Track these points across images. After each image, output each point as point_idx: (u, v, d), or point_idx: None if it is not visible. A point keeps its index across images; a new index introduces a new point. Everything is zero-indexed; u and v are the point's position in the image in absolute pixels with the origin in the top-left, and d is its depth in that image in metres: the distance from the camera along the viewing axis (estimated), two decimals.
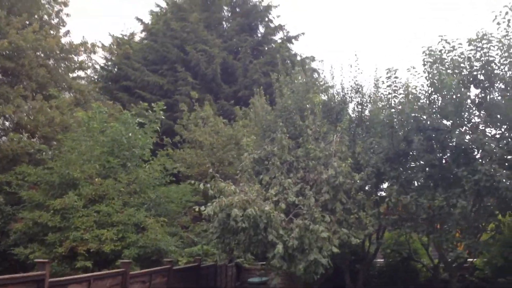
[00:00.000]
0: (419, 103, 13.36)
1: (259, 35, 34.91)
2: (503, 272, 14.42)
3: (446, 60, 13.67)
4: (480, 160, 12.12)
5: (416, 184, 13.19)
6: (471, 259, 16.15)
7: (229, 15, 36.03)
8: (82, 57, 26.32)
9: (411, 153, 13.21)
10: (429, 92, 14.26)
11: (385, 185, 14.77)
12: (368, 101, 16.89)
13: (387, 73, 14.42)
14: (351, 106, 17.31)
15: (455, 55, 13.76)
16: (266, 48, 33.89)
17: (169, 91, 30.61)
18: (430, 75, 14.13)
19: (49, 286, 6.43)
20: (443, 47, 13.93)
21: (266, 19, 34.79)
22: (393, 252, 17.87)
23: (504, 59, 13.31)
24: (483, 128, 13.27)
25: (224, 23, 35.63)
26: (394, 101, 14.34)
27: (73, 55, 25.01)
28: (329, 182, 13.00)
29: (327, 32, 73.40)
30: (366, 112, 16.60)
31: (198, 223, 19.33)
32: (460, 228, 11.87)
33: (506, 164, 11.23)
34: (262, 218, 11.87)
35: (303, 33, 34.25)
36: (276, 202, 12.81)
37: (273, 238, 11.78)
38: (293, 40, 34.25)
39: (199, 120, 25.50)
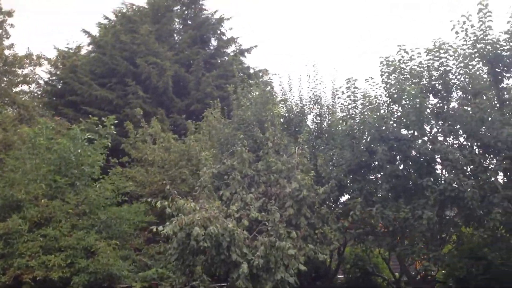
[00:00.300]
0: (380, 113, 13.13)
1: (212, 47, 34.29)
2: (465, 284, 14.31)
3: (405, 70, 13.55)
4: (442, 171, 12.00)
5: (379, 196, 12.90)
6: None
7: (181, 27, 35.26)
8: (26, 70, 24.95)
9: (373, 164, 12.92)
10: (388, 102, 14.13)
11: (347, 198, 14.42)
12: (327, 112, 16.63)
13: (347, 83, 14.19)
14: (310, 117, 17.04)
15: (413, 65, 13.67)
16: (219, 61, 33.30)
17: (118, 106, 29.44)
18: (387, 85, 14.00)
19: None
20: (402, 56, 13.84)
21: (219, 31, 34.22)
22: (353, 268, 17.57)
23: (460, 69, 13.31)
24: (443, 138, 13.18)
25: (175, 35, 34.81)
26: (355, 111, 14.08)
27: (17, 68, 23.63)
28: (292, 196, 12.53)
29: (281, 44, 73.53)
30: (325, 124, 16.33)
31: (151, 245, 18.39)
32: (425, 240, 11.62)
33: (469, 173, 11.11)
34: (225, 237, 11.25)
35: (255, 46, 33.89)
36: (238, 218, 12.21)
37: (237, 257, 11.16)
38: (245, 53, 33.80)
39: (147, 137, 24.56)
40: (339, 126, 14.68)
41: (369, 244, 13.51)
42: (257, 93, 17.27)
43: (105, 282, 13.93)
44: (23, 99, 24.64)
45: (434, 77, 13.15)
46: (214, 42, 34.50)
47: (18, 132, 19.16)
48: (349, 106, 14.08)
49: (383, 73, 14.15)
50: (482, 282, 14.04)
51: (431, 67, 13.25)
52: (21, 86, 25.67)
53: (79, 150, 16.03)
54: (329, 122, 16.43)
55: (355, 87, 14.06)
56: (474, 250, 13.46)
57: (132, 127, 24.27)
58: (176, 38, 34.63)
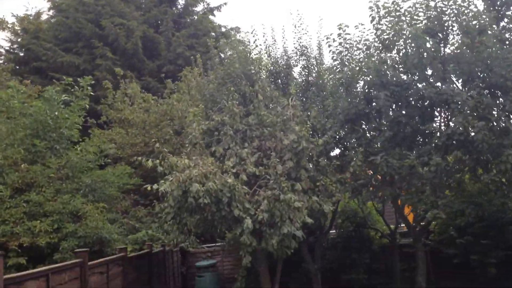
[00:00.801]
0: (380, 57, 12.61)
1: (179, 7, 33.12)
2: (465, 233, 14.24)
3: (399, 12, 12.98)
4: (447, 115, 11.65)
5: (378, 146, 12.49)
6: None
7: None
8: None
9: (372, 112, 12.47)
10: (380, 49, 13.64)
11: (342, 150, 14.02)
12: (314, 63, 16.06)
13: (339, 29, 13.58)
14: (296, 70, 16.45)
15: (408, 7, 13.10)
16: (188, 20, 32.24)
17: (86, 70, 28.13)
18: (379, 32, 13.47)
19: (4, 285, 4.97)
20: None
21: None
22: (345, 222, 17.34)
23: (459, 7, 12.77)
24: (443, 81, 12.74)
25: None
26: (348, 58, 13.56)
27: None
28: (290, 148, 12.01)
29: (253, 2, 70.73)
30: (313, 75, 15.76)
31: (138, 207, 17.78)
32: (432, 187, 11.31)
33: (477, 116, 10.72)
34: (225, 192, 10.70)
35: (225, 3, 32.85)
36: (235, 174, 11.64)
37: (239, 213, 10.65)
38: (215, 12, 32.80)
39: (126, 98, 23.62)
40: (331, 76, 14.14)
41: (369, 195, 13.18)
42: (240, 48, 16.52)
43: (95, 246, 13.31)
44: None
45: (431, 18, 12.60)
46: (181, 0, 33.30)
47: None
48: (342, 54, 13.51)
49: (372, 18, 13.58)
50: (478, 230, 14.03)
51: (428, 6, 12.68)
52: None
53: (56, 113, 15.04)
54: (317, 73, 15.85)
55: (347, 34, 13.48)
56: (473, 197, 13.31)
57: (111, 86, 23.29)
58: None
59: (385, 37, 13.27)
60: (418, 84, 11.86)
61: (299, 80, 15.81)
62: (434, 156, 10.78)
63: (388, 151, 11.68)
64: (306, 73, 16.03)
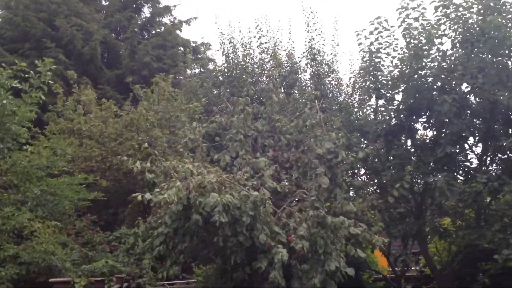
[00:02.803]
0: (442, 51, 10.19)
1: (145, 16, 30.17)
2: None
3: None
4: None
5: (432, 165, 9.96)
6: None
7: None
8: None
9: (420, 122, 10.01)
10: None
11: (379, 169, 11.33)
12: (326, 70, 13.60)
13: (372, 23, 11.17)
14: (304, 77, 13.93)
15: None
16: (154, 32, 29.30)
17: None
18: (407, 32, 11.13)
19: None
20: None
21: None
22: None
23: None
24: None
25: None
26: (382, 57, 11.12)
27: None
28: (323, 160, 9.24)
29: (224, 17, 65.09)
30: (327, 82, 13.29)
31: (96, 230, 14.24)
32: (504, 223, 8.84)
33: None
34: (247, 210, 7.75)
35: (195, 18, 30.21)
36: (252, 189, 8.72)
37: (265, 239, 7.70)
38: (184, 25, 30.01)
39: (79, 105, 20.09)
40: (359, 82, 11.65)
41: (407, 228, 10.55)
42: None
43: (41, 276, 10.00)
44: None
45: None
46: (147, 10, 30.38)
47: None
48: (380, 52, 11.02)
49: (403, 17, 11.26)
50: None
51: None
52: None
53: (4, 101, 11.62)
54: (330, 80, 13.39)
55: (386, 29, 11.05)
56: None
57: (62, 91, 19.75)
58: (104, 2, 30.05)
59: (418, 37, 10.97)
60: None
61: (309, 89, 13.24)
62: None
63: (444, 172, 9.16)
64: (316, 81, 13.51)
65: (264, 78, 12.87)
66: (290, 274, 7.99)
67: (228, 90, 12.06)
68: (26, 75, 12.63)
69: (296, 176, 9.56)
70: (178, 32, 30.05)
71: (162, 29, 29.06)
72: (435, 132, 10.36)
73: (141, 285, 15.12)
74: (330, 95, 13.33)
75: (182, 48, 28.32)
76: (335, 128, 11.04)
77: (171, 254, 8.50)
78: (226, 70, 12.93)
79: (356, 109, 12.66)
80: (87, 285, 11.88)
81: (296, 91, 12.98)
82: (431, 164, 10.61)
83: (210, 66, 15.97)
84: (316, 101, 10.48)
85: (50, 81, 12.80)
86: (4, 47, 25.61)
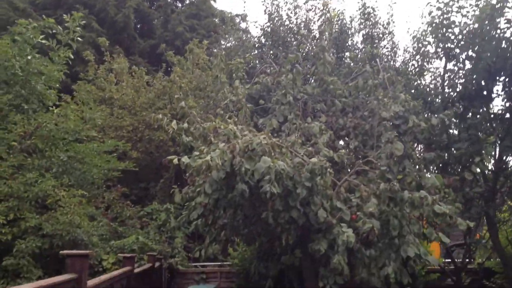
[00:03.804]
0: None
1: None
2: None
3: None
4: None
5: None
6: None
7: None
8: None
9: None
10: None
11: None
12: (381, 32, 12.11)
13: None
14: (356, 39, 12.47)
15: None
16: (188, 1, 28.04)
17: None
18: None
19: None
20: None
21: None
22: None
23: None
24: None
25: None
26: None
27: None
28: (390, 126, 7.87)
29: None
30: (383, 46, 11.81)
31: (127, 203, 13.26)
32: None
33: None
34: (303, 180, 6.49)
35: None
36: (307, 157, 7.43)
37: (326, 215, 6.43)
38: None
39: (111, 74, 19.08)
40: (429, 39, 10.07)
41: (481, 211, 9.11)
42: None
43: (64, 249, 9.01)
44: None
45: None
46: None
47: None
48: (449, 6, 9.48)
49: None
50: None
51: None
52: None
53: (29, 57, 10.59)
54: (385, 44, 11.92)
55: None
56: None
57: (93, 59, 18.77)
58: None
59: None
60: None
61: (360, 56, 11.78)
62: None
63: None
64: (370, 44, 12.05)
65: (311, 40, 11.44)
66: (352, 260, 6.71)
67: (271, 51, 10.71)
68: (54, 31, 11.59)
69: (355, 145, 8.22)
70: (212, 2, 28.77)
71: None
72: None
73: (173, 265, 14.20)
74: (385, 60, 11.85)
75: (216, 20, 27.08)
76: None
77: (211, 229, 7.32)
78: (269, 30, 11.58)
79: (415, 77, 11.15)
80: (115, 262, 10.98)
81: (346, 56, 11.57)
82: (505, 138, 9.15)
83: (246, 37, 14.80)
84: (377, 60, 9.06)
85: (79, 38, 11.74)
86: (36, 13, 24.78)
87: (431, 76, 11.53)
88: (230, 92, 9.10)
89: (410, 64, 11.82)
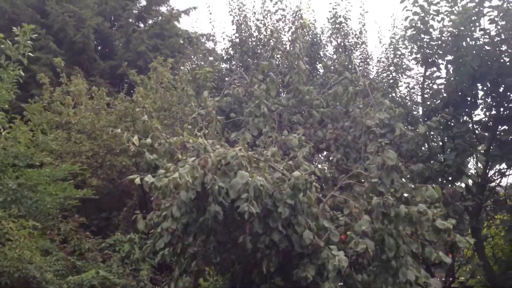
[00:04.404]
0: None
1: (140, 5, 28.11)
2: None
3: None
4: None
5: None
6: None
7: None
8: None
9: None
10: None
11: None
12: (354, 42, 11.55)
13: None
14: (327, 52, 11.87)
15: None
16: (151, 22, 27.25)
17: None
18: None
19: None
20: None
21: None
22: None
23: None
24: None
25: None
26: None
27: None
28: (374, 136, 7.16)
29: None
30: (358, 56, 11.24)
31: (85, 234, 12.12)
32: None
33: None
34: (284, 197, 5.68)
35: (194, 8, 28.16)
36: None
37: (312, 239, 5.60)
38: (183, 15, 27.93)
39: (68, 97, 17.95)
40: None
41: None
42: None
43: None
44: None
45: None
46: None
47: None
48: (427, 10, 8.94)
49: None
50: None
51: None
52: None
53: None
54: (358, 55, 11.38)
55: None
56: None
57: (48, 82, 17.63)
58: None
59: None
60: None
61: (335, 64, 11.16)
62: None
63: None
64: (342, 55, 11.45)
65: (281, 53, 10.80)
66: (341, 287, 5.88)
67: (241, 63, 9.99)
68: (2, 46, 10.55)
69: (337, 157, 7.49)
70: (176, 23, 28.05)
71: (159, 19, 27.00)
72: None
73: None
74: (360, 70, 11.29)
75: (181, 41, 26.35)
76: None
77: (180, 259, 6.39)
78: (237, 41, 10.88)
79: (389, 89, 10.63)
80: None
81: (320, 66, 10.95)
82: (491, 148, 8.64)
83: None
84: (355, 67, 8.43)
85: (30, 54, 10.74)
86: None
87: (406, 88, 11.05)
88: (198, 105, 8.29)
89: (384, 75, 11.29)
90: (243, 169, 5.45)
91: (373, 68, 11.72)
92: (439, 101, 8.66)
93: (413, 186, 6.60)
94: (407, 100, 10.53)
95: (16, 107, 15.46)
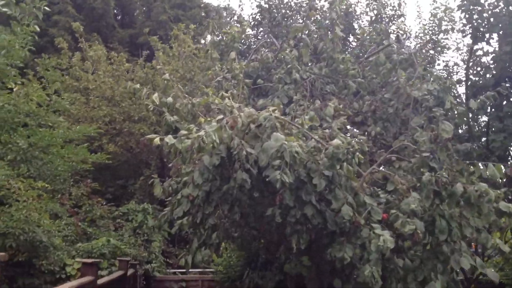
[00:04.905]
0: None
1: None
2: None
3: None
4: None
5: None
6: None
7: None
8: None
9: None
10: None
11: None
12: (391, 14, 10.78)
13: None
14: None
15: None
16: None
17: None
18: None
19: None
20: None
21: None
22: None
23: None
24: None
25: None
26: None
27: None
28: (420, 109, 6.47)
29: None
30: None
31: (98, 199, 11.64)
32: None
33: None
34: (320, 168, 5.05)
35: None
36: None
37: (352, 213, 4.98)
38: None
39: (87, 62, 17.39)
40: None
41: None
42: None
43: (20, 254, 7.52)
44: None
45: None
46: None
47: None
48: None
49: None
50: None
51: None
52: None
53: None
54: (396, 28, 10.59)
55: None
56: None
57: (67, 47, 17.07)
58: None
59: None
60: None
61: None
62: None
63: None
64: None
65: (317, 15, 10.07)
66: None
67: (269, 29, 9.29)
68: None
69: (376, 131, 6.82)
70: None
71: None
72: None
73: (149, 272, 12.64)
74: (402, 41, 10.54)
75: (202, 12, 25.61)
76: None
77: (199, 230, 5.80)
78: (266, 6, 10.16)
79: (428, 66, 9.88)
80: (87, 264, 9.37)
81: (356, 36, 10.20)
82: None
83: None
84: (398, 34, 7.69)
85: (46, 8, 10.14)
86: None
87: (444, 66, 10.29)
88: (223, 70, 7.65)
89: (422, 51, 10.52)
90: (277, 132, 4.82)
91: (410, 43, 10.97)
92: (489, 77, 7.91)
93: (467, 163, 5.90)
94: (445, 80, 9.78)
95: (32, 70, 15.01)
